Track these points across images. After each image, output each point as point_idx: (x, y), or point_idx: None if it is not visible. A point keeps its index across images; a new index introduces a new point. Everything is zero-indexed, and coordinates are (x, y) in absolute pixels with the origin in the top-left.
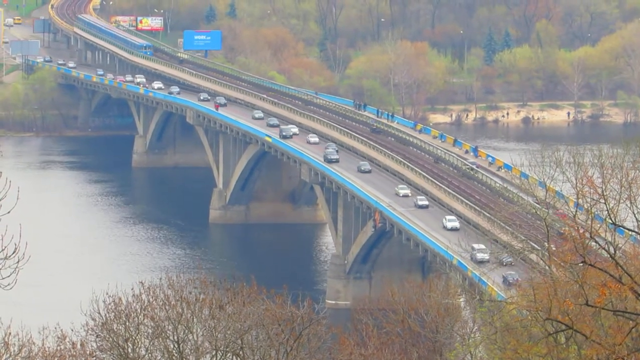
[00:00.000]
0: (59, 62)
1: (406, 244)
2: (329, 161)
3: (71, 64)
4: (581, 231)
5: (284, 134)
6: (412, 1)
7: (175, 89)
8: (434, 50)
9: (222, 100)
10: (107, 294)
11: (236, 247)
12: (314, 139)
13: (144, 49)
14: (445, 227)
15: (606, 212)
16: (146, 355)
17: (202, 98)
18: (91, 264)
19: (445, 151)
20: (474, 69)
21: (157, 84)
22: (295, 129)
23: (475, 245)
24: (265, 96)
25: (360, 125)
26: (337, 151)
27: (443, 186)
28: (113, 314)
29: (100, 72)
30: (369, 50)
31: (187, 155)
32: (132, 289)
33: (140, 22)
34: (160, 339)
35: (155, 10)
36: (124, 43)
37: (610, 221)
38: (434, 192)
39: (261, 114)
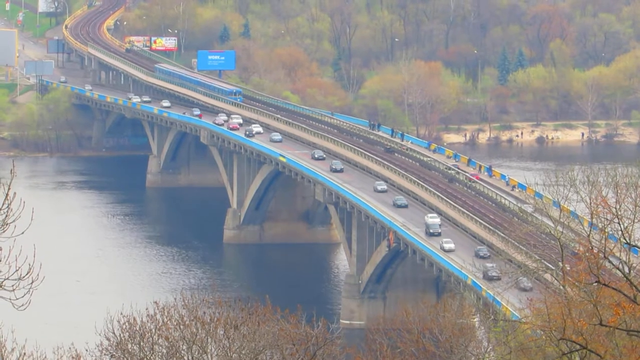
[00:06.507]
0: (145, 99)
1: (420, 263)
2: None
3: (165, 103)
4: (595, 251)
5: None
6: (426, 21)
7: (277, 136)
8: (447, 70)
9: (338, 165)
10: (121, 313)
11: (250, 267)
12: (434, 219)
13: (233, 95)
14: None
15: (620, 231)
16: None
17: (317, 156)
18: (105, 284)
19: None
20: (488, 88)
21: (256, 128)
22: (403, 200)
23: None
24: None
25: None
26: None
27: (457, 206)
28: (127, 333)
29: (197, 111)
30: (382, 70)
31: (201, 175)
32: (146, 309)
33: (154, 42)
34: (174, 359)
35: (169, 30)
36: (211, 89)
37: (624, 241)
38: (449, 212)
39: (384, 186)
